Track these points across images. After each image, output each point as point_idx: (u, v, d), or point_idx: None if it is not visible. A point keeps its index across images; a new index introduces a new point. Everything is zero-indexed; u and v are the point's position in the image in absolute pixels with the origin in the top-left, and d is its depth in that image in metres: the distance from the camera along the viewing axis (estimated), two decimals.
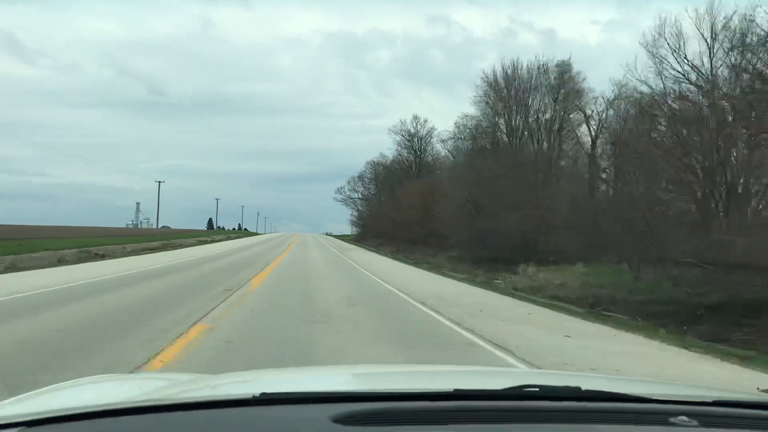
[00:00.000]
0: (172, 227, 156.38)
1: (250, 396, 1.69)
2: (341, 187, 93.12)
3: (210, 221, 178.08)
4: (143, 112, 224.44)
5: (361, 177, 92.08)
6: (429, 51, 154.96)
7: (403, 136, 75.21)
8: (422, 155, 74.05)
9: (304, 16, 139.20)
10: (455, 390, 1.78)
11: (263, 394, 1.70)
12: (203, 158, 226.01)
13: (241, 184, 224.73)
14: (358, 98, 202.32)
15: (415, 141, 74.89)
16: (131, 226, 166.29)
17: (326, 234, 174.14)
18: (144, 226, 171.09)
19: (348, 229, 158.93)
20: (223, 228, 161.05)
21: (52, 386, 2.28)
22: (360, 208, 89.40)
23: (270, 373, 3.28)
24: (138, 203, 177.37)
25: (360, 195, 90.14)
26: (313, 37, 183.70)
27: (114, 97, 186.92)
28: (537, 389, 1.81)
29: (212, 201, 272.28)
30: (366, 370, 3.30)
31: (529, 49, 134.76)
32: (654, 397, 1.84)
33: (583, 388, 1.83)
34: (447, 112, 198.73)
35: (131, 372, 6.45)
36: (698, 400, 1.88)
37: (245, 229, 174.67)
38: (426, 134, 74.34)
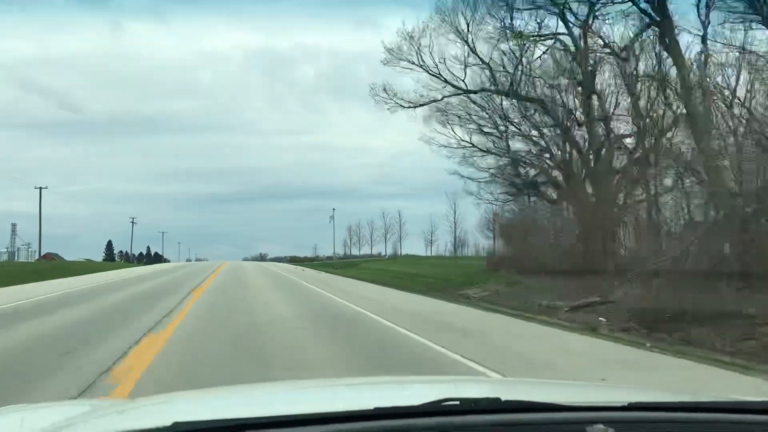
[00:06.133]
0: (66, 258, 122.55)
1: (160, 427, 1.59)
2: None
3: (109, 246, 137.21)
4: (55, 133, 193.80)
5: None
6: (355, 65, 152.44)
7: None
8: None
9: (224, 31, 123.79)
10: (375, 408, 1.70)
11: (176, 424, 1.58)
12: (122, 180, 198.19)
13: (163, 206, 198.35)
14: (284, 115, 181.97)
15: None
16: (4, 254, 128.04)
17: (260, 258, 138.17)
18: (23, 254, 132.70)
19: (289, 251, 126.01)
20: (125, 254, 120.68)
21: None
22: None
23: (186, 397, 2.86)
24: (14, 225, 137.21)
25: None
26: (234, 53, 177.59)
27: (21, 118, 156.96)
28: (457, 402, 1.77)
29: (130, 227, 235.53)
30: (284, 389, 3.05)
31: None
32: (573, 404, 1.83)
33: (503, 398, 1.80)
34: (375, 129, 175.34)
35: None
36: (615, 404, 1.84)
37: (160, 255, 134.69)
38: None
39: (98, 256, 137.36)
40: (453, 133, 29.75)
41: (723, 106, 18.57)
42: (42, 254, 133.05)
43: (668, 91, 20.31)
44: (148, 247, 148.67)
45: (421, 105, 29.03)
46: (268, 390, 3.01)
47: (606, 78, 24.00)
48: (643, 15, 21.11)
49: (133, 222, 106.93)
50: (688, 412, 1.85)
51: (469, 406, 1.75)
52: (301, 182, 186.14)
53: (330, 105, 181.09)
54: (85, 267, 48.53)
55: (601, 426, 1.62)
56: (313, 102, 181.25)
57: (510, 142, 28.84)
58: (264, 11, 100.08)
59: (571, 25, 24.37)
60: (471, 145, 29.78)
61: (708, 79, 19.03)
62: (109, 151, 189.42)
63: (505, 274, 24.26)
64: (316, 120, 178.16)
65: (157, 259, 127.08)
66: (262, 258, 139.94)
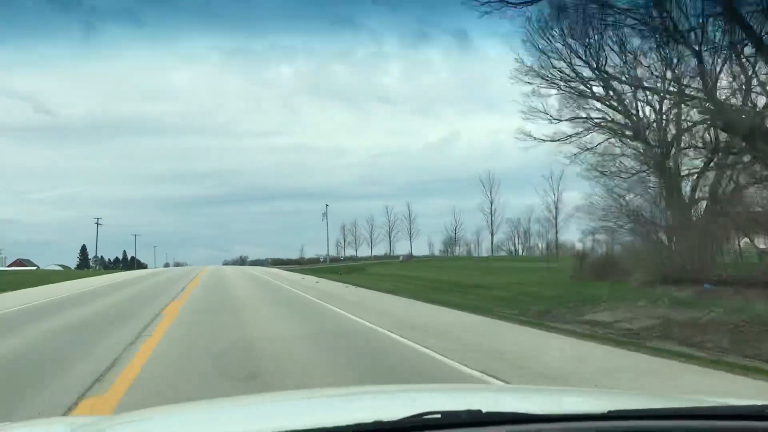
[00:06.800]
0: (41, 264, 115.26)
1: None
2: None
3: (83, 251, 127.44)
4: (31, 138, 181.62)
5: None
6: (332, 66, 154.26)
7: None
8: None
9: (200, 32, 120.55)
10: (357, 424, 1.69)
11: None
12: (98, 184, 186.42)
13: (140, 210, 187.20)
14: (261, 116, 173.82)
15: None
16: None
17: (240, 261, 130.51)
18: None
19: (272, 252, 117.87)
20: (100, 259, 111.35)
21: None
22: None
23: (165, 414, 2.67)
24: None
25: None
26: (210, 54, 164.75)
27: None
28: (439, 416, 1.73)
29: (114, 231, 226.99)
30: (264, 402, 2.94)
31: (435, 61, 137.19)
32: (553, 414, 1.84)
33: (485, 410, 1.78)
34: (355, 129, 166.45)
35: None
36: (594, 413, 1.86)
37: (136, 259, 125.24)
38: None
39: (74, 261, 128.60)
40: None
41: None
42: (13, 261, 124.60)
43: None
44: (124, 252, 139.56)
45: None
46: (247, 404, 2.85)
47: None
48: None
49: (98, 223, 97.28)
50: (665, 420, 1.85)
51: (451, 419, 1.73)
52: (280, 184, 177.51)
53: (308, 105, 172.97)
54: (18, 280, 38.96)
55: None
56: (290, 103, 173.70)
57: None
58: (239, 12, 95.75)
59: None
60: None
61: None
62: (85, 155, 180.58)
63: (635, 285, 15.86)
64: (294, 121, 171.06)
65: (133, 264, 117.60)
66: (242, 261, 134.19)
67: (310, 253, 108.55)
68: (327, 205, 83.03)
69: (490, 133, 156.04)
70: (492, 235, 74.51)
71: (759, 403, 1.96)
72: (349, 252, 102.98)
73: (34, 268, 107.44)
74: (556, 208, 51.11)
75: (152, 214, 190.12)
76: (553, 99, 26.23)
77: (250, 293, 24.72)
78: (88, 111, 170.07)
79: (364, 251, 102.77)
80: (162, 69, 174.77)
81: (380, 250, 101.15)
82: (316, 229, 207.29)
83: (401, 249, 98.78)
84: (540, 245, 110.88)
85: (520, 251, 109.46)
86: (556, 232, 51.69)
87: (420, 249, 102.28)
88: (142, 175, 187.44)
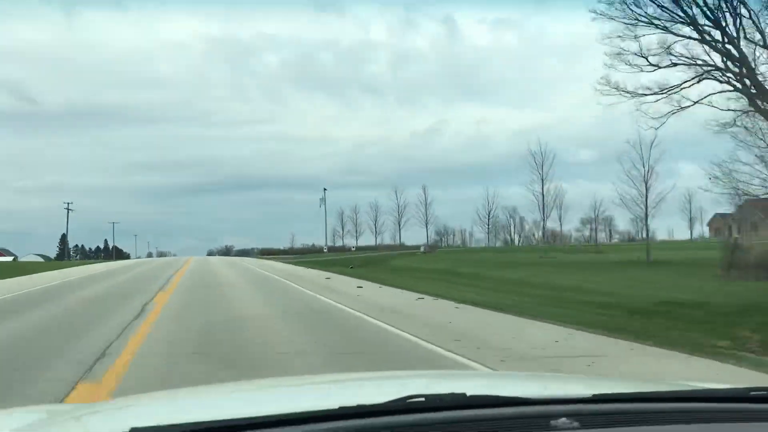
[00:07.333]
0: (19, 254, 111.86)
1: None
2: None
3: (63, 240, 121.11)
4: (12, 126, 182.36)
5: None
6: (318, 54, 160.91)
7: None
8: None
9: (184, 19, 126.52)
10: (340, 408, 1.64)
11: (133, 430, 1.54)
12: (80, 173, 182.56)
13: (123, 199, 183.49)
14: (245, 105, 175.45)
15: None
16: None
17: (225, 251, 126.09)
18: None
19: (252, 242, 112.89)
20: (80, 248, 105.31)
21: None
22: None
23: (147, 400, 2.62)
24: None
25: None
26: (194, 42, 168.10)
27: None
28: (423, 399, 1.73)
29: (96, 219, 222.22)
30: (248, 389, 2.79)
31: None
32: (537, 398, 1.82)
33: (469, 393, 1.76)
34: (339, 118, 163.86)
35: None
36: (579, 397, 1.85)
37: (120, 249, 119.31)
38: None
39: (54, 251, 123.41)
40: None
41: None
42: None
43: None
44: (106, 241, 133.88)
45: None
46: (231, 390, 2.77)
47: None
48: None
49: (68, 209, 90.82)
50: (651, 403, 1.85)
51: (435, 403, 1.71)
52: (265, 173, 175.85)
53: (293, 94, 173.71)
54: None
55: (565, 419, 1.60)
56: (275, 91, 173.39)
57: None
58: None
59: None
60: None
61: None
62: (66, 144, 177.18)
63: None
64: (278, 110, 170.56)
65: (116, 254, 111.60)
66: (227, 251, 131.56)
67: (301, 243, 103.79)
68: (325, 189, 77.59)
69: (477, 122, 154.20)
70: (544, 221, 65.96)
71: (742, 386, 1.96)
72: (348, 241, 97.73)
73: (10, 258, 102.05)
74: (646, 184, 39.26)
75: (136, 204, 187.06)
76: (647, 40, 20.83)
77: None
78: (68, 99, 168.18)
79: (362, 240, 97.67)
80: (145, 56, 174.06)
81: (380, 239, 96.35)
82: (305, 218, 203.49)
83: (405, 238, 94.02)
84: (536, 234, 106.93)
85: (516, 241, 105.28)
86: (646, 216, 40.47)
87: (412, 238, 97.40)
88: (125, 163, 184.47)
